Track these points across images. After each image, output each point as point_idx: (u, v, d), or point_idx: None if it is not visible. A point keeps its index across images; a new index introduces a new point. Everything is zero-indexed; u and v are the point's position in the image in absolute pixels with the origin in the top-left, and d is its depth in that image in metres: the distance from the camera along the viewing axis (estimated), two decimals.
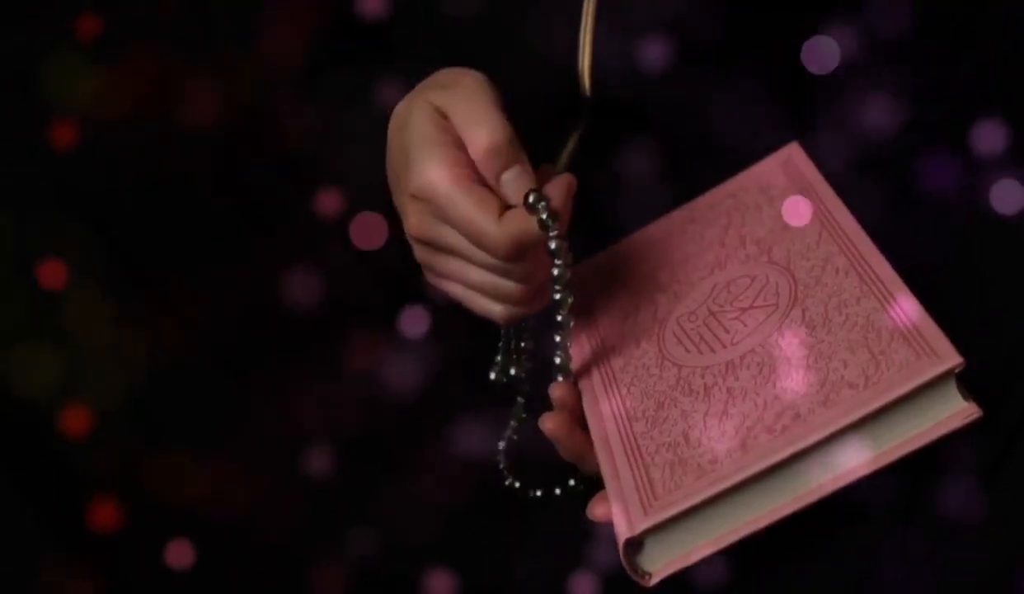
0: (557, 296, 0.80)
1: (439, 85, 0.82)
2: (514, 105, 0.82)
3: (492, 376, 0.90)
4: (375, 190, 0.87)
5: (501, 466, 0.90)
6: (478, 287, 0.82)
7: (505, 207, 0.80)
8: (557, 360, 0.83)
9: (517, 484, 0.90)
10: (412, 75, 0.85)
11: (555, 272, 0.79)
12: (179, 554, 0.91)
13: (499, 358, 0.90)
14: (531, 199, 0.78)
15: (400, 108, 0.83)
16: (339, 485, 0.94)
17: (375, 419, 0.95)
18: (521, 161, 0.80)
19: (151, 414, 0.92)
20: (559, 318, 0.81)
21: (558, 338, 0.82)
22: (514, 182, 0.79)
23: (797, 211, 0.85)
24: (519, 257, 0.79)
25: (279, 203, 0.97)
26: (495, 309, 0.83)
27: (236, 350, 0.94)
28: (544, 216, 0.78)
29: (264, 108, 0.97)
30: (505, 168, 0.79)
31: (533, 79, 0.91)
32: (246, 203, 0.96)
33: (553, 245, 0.78)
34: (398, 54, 0.99)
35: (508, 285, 0.81)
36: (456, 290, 0.84)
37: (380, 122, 0.85)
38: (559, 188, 0.80)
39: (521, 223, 0.78)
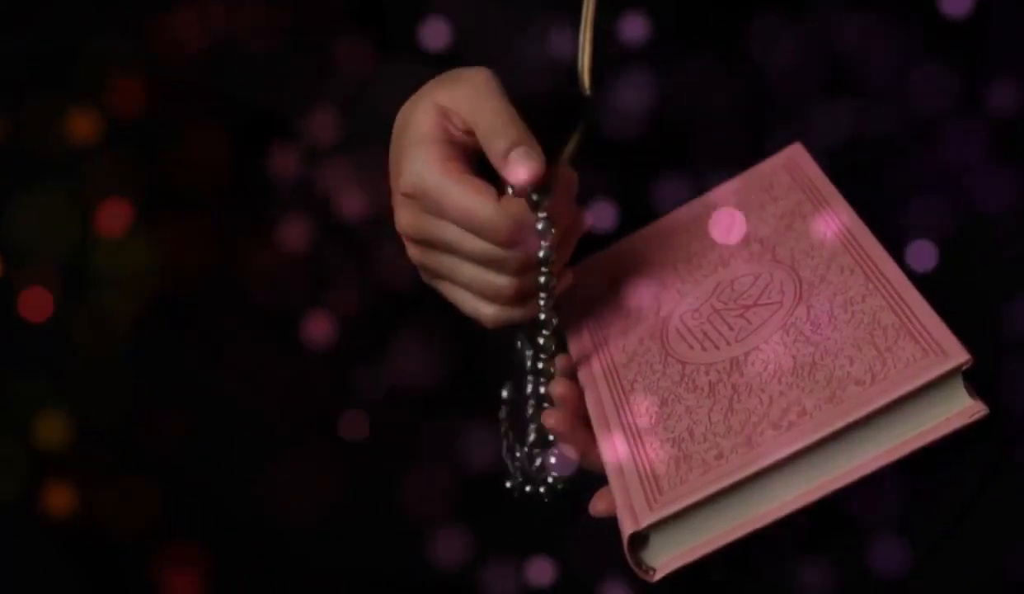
0: (541, 301, 0.81)
1: (444, 82, 0.83)
2: (514, 105, 0.82)
3: (508, 484, 0.90)
4: (377, 193, 0.87)
5: (511, 470, 0.90)
6: (468, 284, 0.82)
7: (501, 194, 0.80)
8: (540, 365, 0.84)
9: (510, 484, 0.90)
10: (412, 77, 0.86)
11: (541, 280, 0.80)
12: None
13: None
14: (534, 198, 0.79)
15: (404, 109, 0.84)
16: (342, 488, 0.95)
17: (380, 424, 0.95)
18: (529, 141, 0.79)
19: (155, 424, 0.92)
20: (541, 316, 0.81)
21: (542, 340, 0.83)
22: (523, 160, 0.79)
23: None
24: (517, 242, 0.79)
25: (281, 204, 0.97)
26: (485, 310, 0.83)
27: (241, 356, 0.94)
28: (540, 226, 0.78)
29: (270, 110, 0.97)
30: (512, 147, 0.79)
31: (533, 79, 0.91)
32: (248, 205, 0.96)
33: (541, 254, 0.79)
34: (397, 55, 0.99)
35: (500, 280, 0.81)
36: (448, 289, 0.84)
37: (385, 124, 0.86)
38: (560, 190, 0.81)
39: (521, 206, 0.78)
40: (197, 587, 0.93)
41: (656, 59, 0.93)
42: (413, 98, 0.83)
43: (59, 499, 0.90)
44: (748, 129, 0.96)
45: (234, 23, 0.99)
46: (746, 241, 0.87)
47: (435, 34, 0.91)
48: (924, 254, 0.81)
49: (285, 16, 0.98)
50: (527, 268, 0.81)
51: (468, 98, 0.80)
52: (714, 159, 0.95)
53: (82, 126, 0.94)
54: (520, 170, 0.78)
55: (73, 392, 0.89)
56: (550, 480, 0.88)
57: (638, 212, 0.94)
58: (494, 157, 0.79)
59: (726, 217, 0.88)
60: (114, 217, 0.93)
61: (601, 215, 0.91)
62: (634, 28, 0.92)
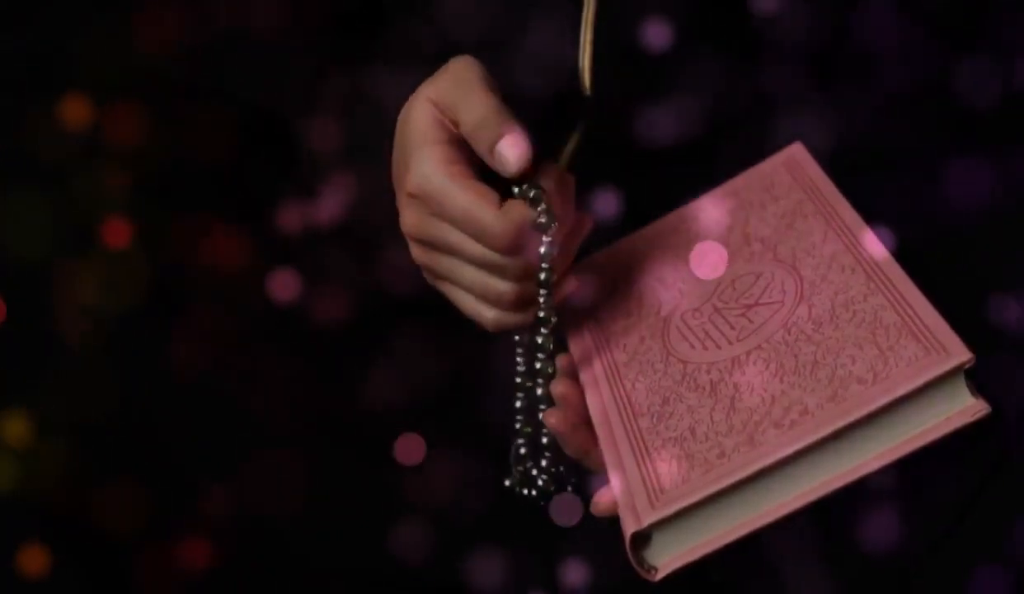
0: (541, 299, 0.81)
1: (433, 77, 0.83)
2: (514, 105, 0.82)
3: (507, 482, 0.90)
4: (379, 192, 0.87)
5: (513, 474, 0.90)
6: (470, 287, 0.83)
7: (504, 200, 0.80)
8: (537, 365, 0.84)
9: (507, 483, 0.90)
10: (413, 76, 0.86)
11: (541, 276, 0.80)
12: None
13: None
14: (531, 195, 0.79)
15: (404, 108, 0.84)
16: (336, 488, 0.95)
17: (376, 422, 0.95)
18: (513, 130, 0.79)
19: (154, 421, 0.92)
20: (541, 314, 0.81)
21: (540, 339, 0.83)
22: (509, 151, 0.79)
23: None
24: (518, 249, 0.79)
25: (283, 205, 0.97)
26: (487, 314, 0.83)
27: (242, 355, 0.94)
28: (542, 220, 0.78)
29: (271, 110, 0.97)
30: (498, 139, 0.79)
31: (533, 79, 0.92)
32: (250, 204, 0.96)
33: (542, 249, 0.79)
34: (398, 55, 0.99)
35: (501, 285, 0.81)
36: (450, 291, 0.84)
37: (385, 124, 0.86)
38: (553, 182, 0.81)
39: (522, 212, 0.78)
40: (195, 586, 0.93)
41: (659, 57, 0.93)
42: (412, 97, 0.84)
43: (55, 498, 0.90)
44: (748, 127, 0.96)
45: (234, 23, 0.99)
46: (747, 240, 0.87)
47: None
48: (881, 239, 0.82)
49: (285, 16, 0.98)
50: (528, 275, 0.81)
51: (451, 90, 0.80)
52: (714, 158, 0.95)
53: (78, 125, 0.94)
54: (507, 161, 0.79)
55: (66, 391, 0.90)
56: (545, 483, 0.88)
57: (639, 211, 0.94)
58: (480, 150, 0.79)
59: (709, 252, 0.88)
60: (114, 221, 0.93)
61: (604, 204, 0.91)
62: (637, 26, 0.92)
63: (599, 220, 0.88)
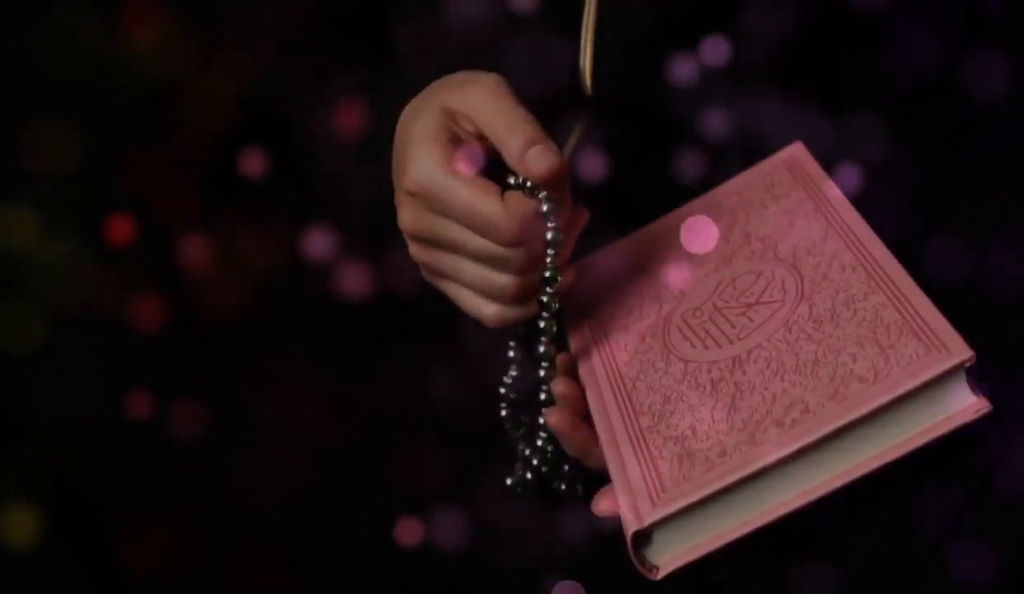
0: (548, 273, 0.81)
1: (454, 85, 0.83)
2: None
3: (508, 482, 0.90)
4: (378, 193, 0.88)
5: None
6: (471, 283, 0.83)
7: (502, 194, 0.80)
8: (542, 348, 0.84)
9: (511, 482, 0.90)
10: (415, 78, 0.86)
11: (547, 260, 0.80)
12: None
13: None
14: (527, 185, 0.79)
15: (408, 109, 0.84)
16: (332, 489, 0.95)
17: (377, 422, 0.95)
18: (544, 139, 0.80)
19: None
20: (544, 298, 0.82)
21: (542, 323, 0.83)
22: (538, 157, 0.79)
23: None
24: (522, 240, 0.79)
25: (280, 205, 0.97)
26: (487, 310, 0.83)
27: (241, 351, 0.94)
28: (544, 208, 0.79)
29: (270, 109, 0.97)
30: (528, 145, 0.79)
31: (533, 78, 0.92)
32: (250, 205, 0.97)
33: (549, 235, 0.79)
34: (399, 55, 1.00)
35: (502, 279, 0.82)
36: (449, 288, 0.84)
37: (386, 124, 0.86)
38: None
39: (525, 202, 0.79)
40: (193, 585, 0.93)
41: (656, 53, 0.93)
42: (417, 100, 0.84)
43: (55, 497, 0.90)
44: (749, 123, 0.96)
45: (235, 23, 0.99)
46: (748, 239, 0.87)
47: None
48: (849, 176, 0.82)
49: (285, 16, 0.98)
50: (529, 267, 0.81)
51: (481, 100, 0.81)
52: (714, 156, 0.95)
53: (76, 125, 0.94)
54: (537, 166, 0.79)
55: (66, 390, 0.90)
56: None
57: (639, 211, 0.94)
58: (510, 155, 0.79)
59: (699, 226, 0.88)
60: (115, 221, 0.93)
61: (591, 165, 0.91)
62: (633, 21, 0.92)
63: (588, 180, 0.88)
